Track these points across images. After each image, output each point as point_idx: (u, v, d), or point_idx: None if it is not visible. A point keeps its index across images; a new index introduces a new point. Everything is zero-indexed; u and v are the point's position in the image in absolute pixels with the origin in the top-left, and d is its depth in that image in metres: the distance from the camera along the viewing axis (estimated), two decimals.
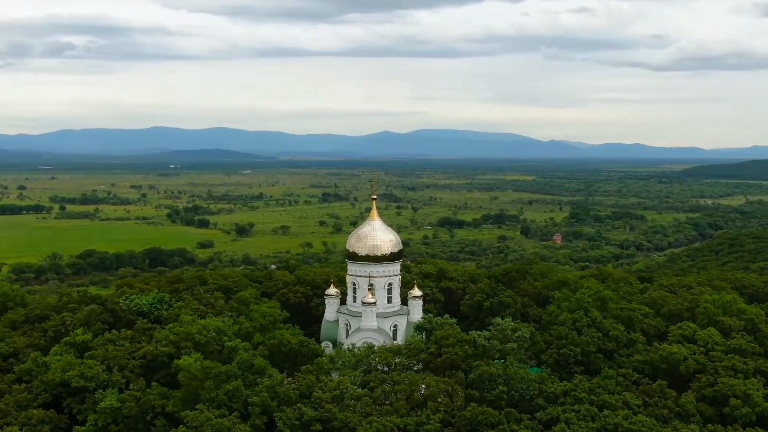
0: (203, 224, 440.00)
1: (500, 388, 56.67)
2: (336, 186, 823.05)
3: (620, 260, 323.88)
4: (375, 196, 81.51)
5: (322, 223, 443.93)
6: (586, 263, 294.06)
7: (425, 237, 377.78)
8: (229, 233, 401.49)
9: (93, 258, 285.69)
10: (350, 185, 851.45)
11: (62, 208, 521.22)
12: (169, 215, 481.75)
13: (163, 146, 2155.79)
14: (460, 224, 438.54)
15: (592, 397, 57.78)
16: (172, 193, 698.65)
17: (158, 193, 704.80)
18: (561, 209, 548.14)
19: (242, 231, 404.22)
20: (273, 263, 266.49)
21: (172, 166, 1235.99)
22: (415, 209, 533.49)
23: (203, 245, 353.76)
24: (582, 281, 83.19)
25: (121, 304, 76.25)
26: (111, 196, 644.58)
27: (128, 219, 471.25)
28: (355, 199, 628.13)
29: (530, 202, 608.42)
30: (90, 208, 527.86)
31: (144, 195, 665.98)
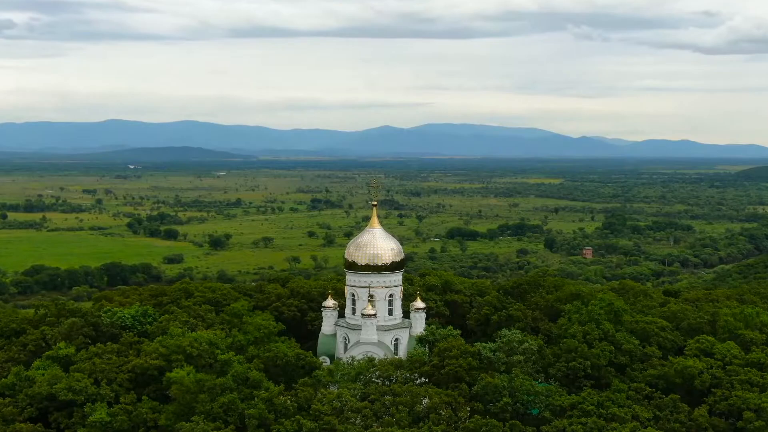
0: (171, 235, 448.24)
1: (505, 400, 66.11)
2: (327, 191, 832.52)
3: (661, 278, 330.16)
4: (375, 203, 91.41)
5: (311, 235, 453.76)
6: (621, 281, 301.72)
7: (432, 251, 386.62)
8: (201, 246, 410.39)
9: (42, 275, 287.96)
10: (344, 190, 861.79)
11: (3, 217, 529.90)
12: (129, 225, 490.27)
13: (121, 143, 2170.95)
14: (473, 236, 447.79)
15: (601, 410, 67.17)
16: (133, 198, 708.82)
17: (116, 198, 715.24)
18: (593, 218, 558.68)
19: (217, 243, 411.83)
20: (254, 280, 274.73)
21: (132, 167, 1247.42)
22: (420, 218, 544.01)
23: (171, 260, 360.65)
24: (598, 294, 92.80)
25: (102, 318, 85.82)
26: (60, 202, 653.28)
27: (81, 229, 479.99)
28: (350, 207, 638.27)
29: (556, 210, 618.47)
30: (36, 217, 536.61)
31: (99, 201, 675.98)
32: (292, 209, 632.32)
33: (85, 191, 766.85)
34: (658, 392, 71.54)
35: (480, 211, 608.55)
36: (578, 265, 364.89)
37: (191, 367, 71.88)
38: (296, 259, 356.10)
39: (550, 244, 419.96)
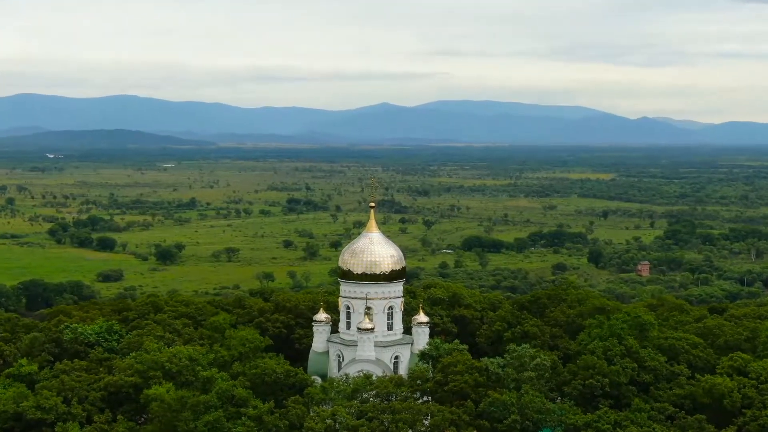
0: (105, 246, 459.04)
1: (513, 417, 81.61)
2: (308, 189, 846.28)
3: (738, 300, 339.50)
4: (373, 204, 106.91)
5: (287, 245, 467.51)
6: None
7: (443, 266, 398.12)
8: (145, 260, 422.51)
9: None
10: (330, 187, 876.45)
11: None
12: (52, 232, 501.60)
13: (36, 125, 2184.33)
14: (497, 247, 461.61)
15: (618, 430, 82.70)
16: (55, 198, 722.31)
17: (33, 197, 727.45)
18: (652, 225, 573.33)
19: (166, 256, 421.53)
20: (210, 302, 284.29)
21: (52, 156, 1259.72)
22: (428, 224, 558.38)
23: (107, 277, 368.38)
24: (625, 308, 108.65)
25: (65, 334, 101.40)
26: None
27: None
28: (338, 209, 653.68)
29: (605, 214, 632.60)
30: None
31: (10, 201, 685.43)
32: (262, 212, 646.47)
33: None
34: (683, 412, 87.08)
35: (506, 216, 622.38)
36: (631, 284, 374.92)
37: (170, 384, 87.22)
38: (269, 276, 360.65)
39: (595, 258, 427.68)
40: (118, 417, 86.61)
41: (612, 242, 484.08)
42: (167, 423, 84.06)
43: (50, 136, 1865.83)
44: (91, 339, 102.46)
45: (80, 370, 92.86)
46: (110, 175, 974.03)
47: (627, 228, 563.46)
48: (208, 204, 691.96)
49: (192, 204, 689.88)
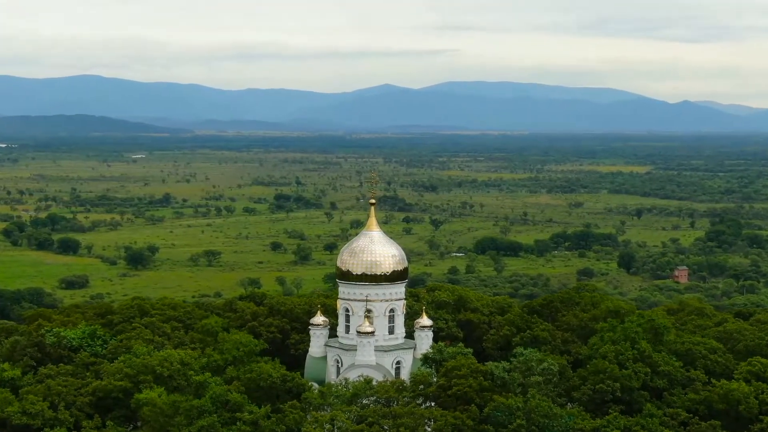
0: (68, 248, 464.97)
1: (518, 422, 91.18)
2: (299, 183, 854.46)
3: None
4: (374, 201, 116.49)
5: (275, 247, 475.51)
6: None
7: (452, 271, 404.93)
8: (114, 264, 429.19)
9: None
10: (324, 181, 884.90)
11: None
12: (6, 232, 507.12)
13: None
14: (514, 250, 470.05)
15: None
16: (9, 193, 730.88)
17: None
18: (693, 225, 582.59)
19: (137, 260, 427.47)
20: (199, 305, 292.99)
21: (5, 146, 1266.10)
22: (436, 224, 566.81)
23: (71, 284, 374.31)
24: (641, 311, 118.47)
25: (46, 338, 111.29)
26: None
27: None
28: (333, 206, 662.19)
29: (639, 213, 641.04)
30: None
31: None
32: (246, 210, 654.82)
33: None
34: (696, 418, 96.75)
35: (525, 214, 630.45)
36: (666, 292, 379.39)
37: (161, 388, 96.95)
38: (255, 283, 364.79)
39: (626, 263, 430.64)
40: (108, 422, 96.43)
41: (646, 245, 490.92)
42: (159, 428, 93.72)
43: (1, 123, 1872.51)
44: (74, 344, 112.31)
45: (66, 375, 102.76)
46: (72, 167, 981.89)
47: (663, 228, 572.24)
48: (184, 201, 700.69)
49: (166, 200, 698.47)
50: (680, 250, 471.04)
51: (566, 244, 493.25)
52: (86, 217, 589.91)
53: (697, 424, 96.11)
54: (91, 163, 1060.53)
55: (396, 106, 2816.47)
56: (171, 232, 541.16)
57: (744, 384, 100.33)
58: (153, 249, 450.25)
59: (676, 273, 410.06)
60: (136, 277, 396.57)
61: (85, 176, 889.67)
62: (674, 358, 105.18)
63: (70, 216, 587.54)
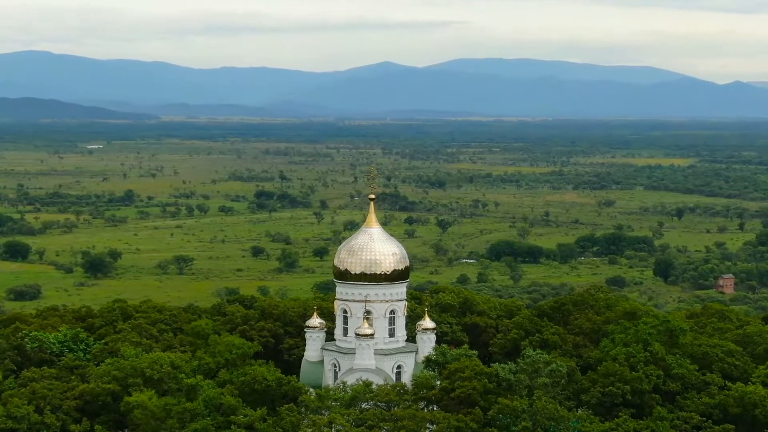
0: (16, 253, 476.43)
1: (524, 424, 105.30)
2: (283, 178, 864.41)
3: None
4: (373, 196, 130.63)
5: (257, 253, 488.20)
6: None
7: (462, 279, 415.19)
8: (70, 272, 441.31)
9: None
10: (313, 176, 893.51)
11: None
12: None
13: None
14: (534, 255, 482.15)
15: None
16: None
17: None
18: (742, 227, 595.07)
19: (97, 267, 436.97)
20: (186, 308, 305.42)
21: None
22: (443, 225, 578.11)
23: (21, 294, 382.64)
24: (657, 312, 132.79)
25: (26, 342, 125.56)
26: None
27: None
28: (323, 205, 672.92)
29: (679, 213, 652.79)
30: None
31: None
32: (223, 210, 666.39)
33: None
34: (710, 422, 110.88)
35: (547, 214, 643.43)
36: (709, 304, 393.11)
37: (152, 391, 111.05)
38: (233, 293, 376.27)
39: (663, 271, 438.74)
40: (96, 426, 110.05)
41: (687, 250, 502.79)
42: None
43: None
44: (55, 349, 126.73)
45: (50, 378, 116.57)
46: (17, 159, 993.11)
47: (708, 231, 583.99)
48: (149, 198, 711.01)
49: (128, 198, 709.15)
50: (727, 256, 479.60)
51: (594, 248, 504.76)
52: (36, 218, 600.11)
53: (710, 428, 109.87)
54: (40, 154, 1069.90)
55: (396, 88, 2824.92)
56: (135, 235, 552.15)
57: (761, 387, 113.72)
58: (114, 255, 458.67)
59: (721, 282, 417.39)
60: (95, 287, 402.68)
61: (34, 170, 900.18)
62: (689, 361, 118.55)
63: (17, 216, 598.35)
